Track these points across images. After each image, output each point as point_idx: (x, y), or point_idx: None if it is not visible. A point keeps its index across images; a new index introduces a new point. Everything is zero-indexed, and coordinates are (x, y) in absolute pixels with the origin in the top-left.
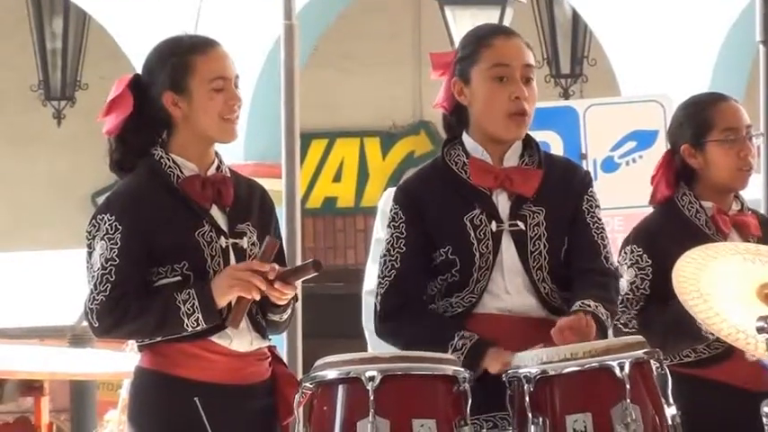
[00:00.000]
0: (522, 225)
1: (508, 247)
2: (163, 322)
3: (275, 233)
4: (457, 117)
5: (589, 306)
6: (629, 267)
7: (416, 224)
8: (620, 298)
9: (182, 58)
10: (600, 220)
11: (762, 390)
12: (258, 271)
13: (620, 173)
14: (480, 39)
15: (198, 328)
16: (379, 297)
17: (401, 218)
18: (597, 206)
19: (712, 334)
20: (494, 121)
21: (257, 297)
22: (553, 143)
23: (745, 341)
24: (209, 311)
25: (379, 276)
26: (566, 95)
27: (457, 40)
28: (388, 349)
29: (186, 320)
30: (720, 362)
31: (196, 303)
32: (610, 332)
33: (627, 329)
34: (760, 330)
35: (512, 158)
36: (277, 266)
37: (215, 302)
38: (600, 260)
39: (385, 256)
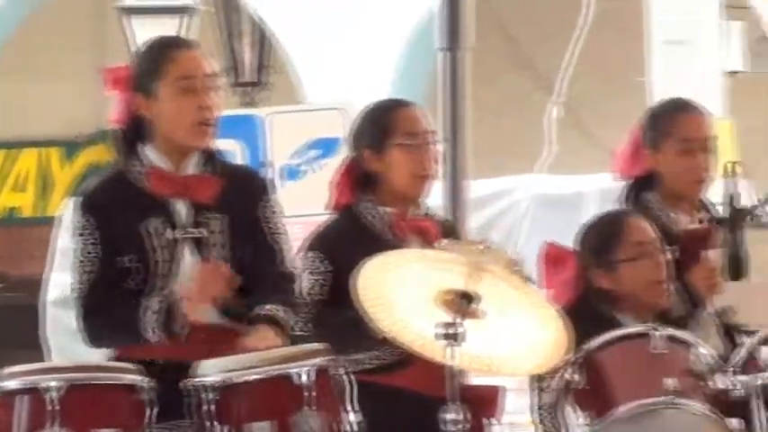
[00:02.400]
0: (203, 232)
1: (188, 255)
2: None
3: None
4: (135, 130)
5: (272, 311)
6: (307, 273)
7: (102, 230)
8: (299, 303)
9: None
10: (277, 225)
11: (442, 396)
12: None
13: (303, 180)
14: (161, 53)
15: None
16: (77, 301)
17: (88, 225)
18: (275, 212)
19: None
20: (182, 132)
21: None
22: (236, 151)
23: (427, 347)
24: None
25: (73, 283)
26: (249, 103)
27: None
28: (77, 359)
29: None
30: (402, 368)
31: None
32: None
33: (305, 335)
34: (443, 336)
35: (191, 167)
36: None
37: None
38: (279, 265)
39: (77, 263)
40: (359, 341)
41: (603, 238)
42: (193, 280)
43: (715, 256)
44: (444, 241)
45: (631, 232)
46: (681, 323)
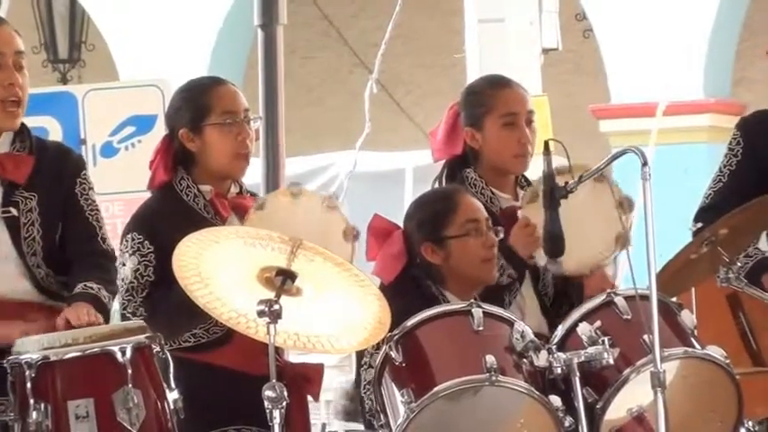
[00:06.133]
0: (14, 211)
1: (1, 234)
2: None
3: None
4: None
5: (92, 289)
6: (131, 255)
7: None
8: (125, 286)
9: None
10: (94, 202)
11: (263, 374)
12: None
13: (119, 158)
14: None
15: None
16: None
17: None
18: (91, 188)
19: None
20: None
21: None
22: (51, 128)
23: (245, 325)
24: None
25: None
26: (64, 81)
27: None
28: None
29: None
30: (221, 346)
31: None
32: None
33: (136, 318)
34: (260, 314)
35: (2, 146)
36: None
37: None
38: (96, 242)
39: None
40: (190, 321)
41: (435, 213)
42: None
43: (534, 217)
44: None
45: (463, 209)
46: (500, 299)
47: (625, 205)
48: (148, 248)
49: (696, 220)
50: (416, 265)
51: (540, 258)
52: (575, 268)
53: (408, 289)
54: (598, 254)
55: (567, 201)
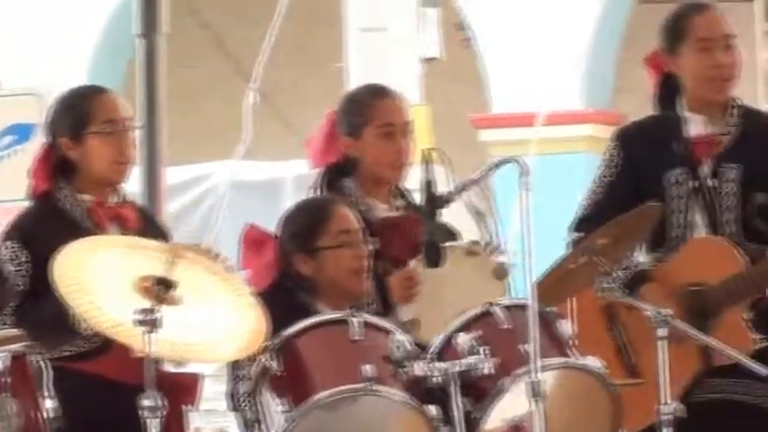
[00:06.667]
0: None
1: None
2: None
3: None
4: None
5: None
6: (7, 263)
7: None
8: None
9: None
10: None
11: (139, 383)
12: None
13: None
14: None
15: None
16: None
17: None
18: None
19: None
20: None
21: None
22: None
23: (125, 334)
24: None
25: None
26: None
27: None
28: None
29: None
30: (99, 355)
31: None
32: None
33: (6, 327)
34: (138, 323)
35: None
36: None
37: None
38: None
39: None
40: (64, 333)
41: (307, 224)
42: None
43: (418, 266)
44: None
45: (336, 220)
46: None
47: (498, 274)
48: (24, 258)
49: (573, 230)
50: (289, 275)
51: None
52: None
53: (282, 299)
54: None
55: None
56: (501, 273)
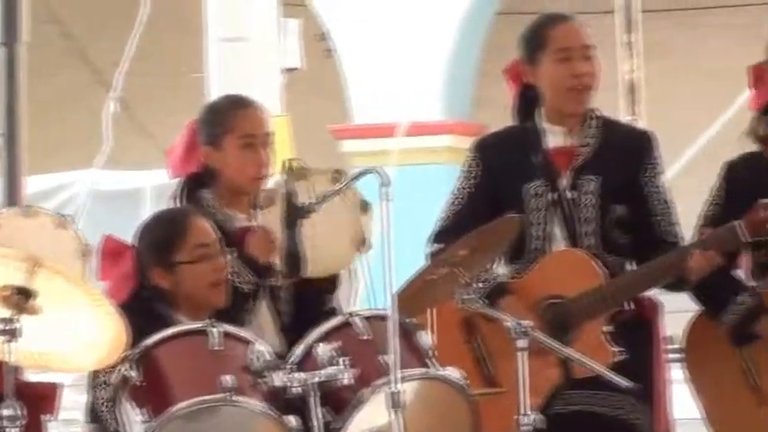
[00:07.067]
0: None
1: None
2: None
3: None
4: None
5: None
6: None
7: None
8: None
9: None
10: None
11: None
12: None
13: None
14: None
15: None
16: None
17: None
18: None
19: None
20: None
21: None
22: None
23: None
24: None
25: None
26: None
27: None
28: None
29: None
30: None
31: None
32: None
33: None
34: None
35: None
36: None
37: None
38: None
39: None
40: None
41: (164, 237)
42: None
43: (271, 223)
44: None
45: (193, 234)
46: (238, 319)
47: (362, 207)
48: None
49: (433, 241)
50: (147, 287)
51: (278, 276)
52: (319, 271)
53: (141, 309)
54: (340, 257)
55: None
56: (365, 206)
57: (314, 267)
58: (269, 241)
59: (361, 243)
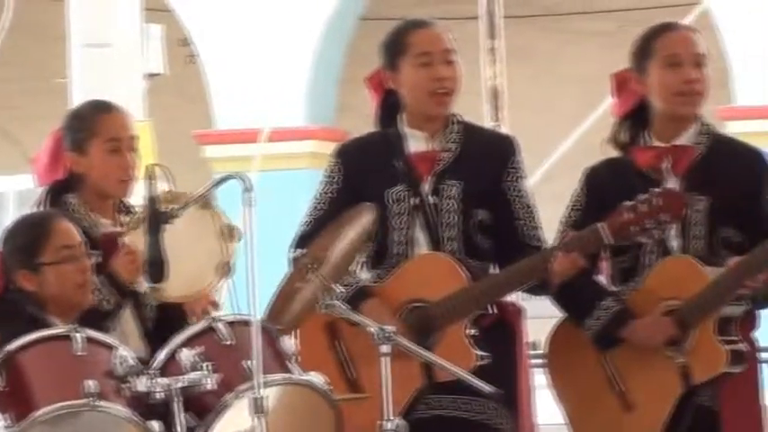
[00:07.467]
0: None
1: None
2: None
3: None
4: None
5: None
6: None
7: None
8: None
9: None
10: None
11: None
12: None
13: None
14: None
15: None
16: None
17: None
18: None
19: None
20: None
21: None
22: None
23: None
24: None
25: None
26: None
27: None
28: None
29: None
30: None
31: None
32: None
33: None
34: None
35: None
36: None
37: None
38: None
39: None
40: None
41: (28, 240)
42: None
43: (133, 242)
44: None
45: (57, 235)
46: (103, 326)
47: (226, 234)
48: None
49: (295, 246)
50: (14, 290)
51: (143, 284)
52: (178, 294)
53: (10, 312)
54: (202, 280)
55: (173, 226)
56: (230, 232)
57: (172, 282)
58: (134, 262)
59: (224, 267)
